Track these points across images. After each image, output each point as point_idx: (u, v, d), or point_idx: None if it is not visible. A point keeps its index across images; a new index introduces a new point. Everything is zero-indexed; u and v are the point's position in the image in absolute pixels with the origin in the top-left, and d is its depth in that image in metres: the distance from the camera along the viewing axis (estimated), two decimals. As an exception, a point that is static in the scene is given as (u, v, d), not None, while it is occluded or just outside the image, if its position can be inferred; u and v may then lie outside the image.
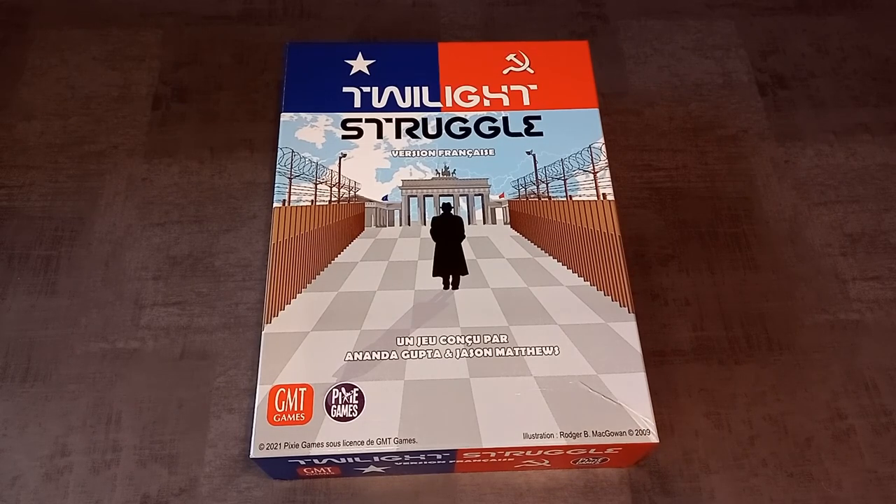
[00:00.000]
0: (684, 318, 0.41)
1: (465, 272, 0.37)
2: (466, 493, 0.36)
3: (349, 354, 0.34)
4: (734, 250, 0.43)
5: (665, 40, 0.51)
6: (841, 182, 0.46)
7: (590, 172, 0.40)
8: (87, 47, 0.49)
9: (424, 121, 0.41)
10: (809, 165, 0.46)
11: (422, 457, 0.33)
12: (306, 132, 0.41)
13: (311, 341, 0.35)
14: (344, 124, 0.41)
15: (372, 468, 0.35)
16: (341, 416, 0.33)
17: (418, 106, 0.42)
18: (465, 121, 0.41)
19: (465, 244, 0.38)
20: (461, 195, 0.39)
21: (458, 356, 0.34)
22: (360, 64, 0.43)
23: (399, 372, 0.34)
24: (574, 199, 0.39)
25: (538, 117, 0.42)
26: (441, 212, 0.39)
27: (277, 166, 0.40)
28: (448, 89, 0.42)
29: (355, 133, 0.41)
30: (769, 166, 0.46)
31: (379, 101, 0.42)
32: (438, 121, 0.41)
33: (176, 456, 0.36)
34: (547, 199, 0.39)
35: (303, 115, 0.41)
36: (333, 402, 0.33)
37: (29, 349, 0.39)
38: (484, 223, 0.39)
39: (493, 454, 0.33)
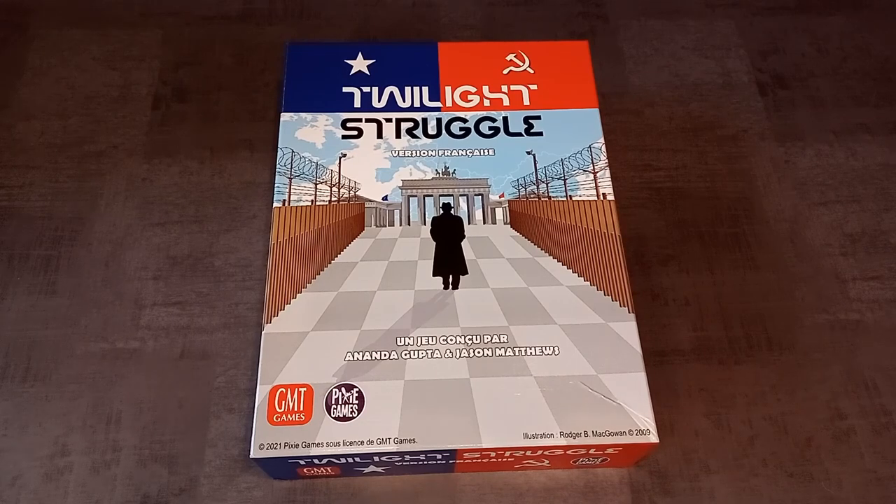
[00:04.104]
0: (684, 318, 0.41)
1: (465, 272, 0.37)
2: (466, 493, 0.36)
3: (349, 354, 0.34)
4: (734, 250, 0.43)
5: (665, 40, 0.51)
6: (841, 182, 0.46)
7: (590, 172, 0.40)
8: (87, 47, 0.49)
9: (424, 121, 0.41)
10: (809, 165, 0.46)
11: (422, 457, 0.33)
12: (306, 132, 0.41)
13: (311, 341, 0.35)
14: (344, 124, 0.41)
15: (372, 468, 0.35)
16: (341, 416, 0.33)
17: (418, 106, 0.42)
18: (465, 121, 0.41)
19: (465, 244, 0.38)
20: (461, 195, 0.39)
21: (458, 356, 0.34)
22: (360, 64, 0.43)
23: (399, 372, 0.34)
24: (574, 199, 0.39)
25: (538, 117, 0.42)
26: (441, 212, 0.39)
27: (277, 166, 0.40)
28: (448, 89, 0.42)
29: (355, 133, 0.41)
30: (769, 166, 0.46)
31: (379, 101, 0.42)
32: (438, 121, 0.41)
33: (176, 456, 0.36)
34: (547, 199, 0.39)
35: (303, 115, 0.41)
36: (333, 402, 0.33)
37: (29, 349, 0.39)
38: (484, 223, 0.39)
39: (493, 454, 0.33)
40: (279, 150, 0.40)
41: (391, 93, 0.42)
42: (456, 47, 0.44)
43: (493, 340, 0.35)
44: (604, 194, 0.39)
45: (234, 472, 0.36)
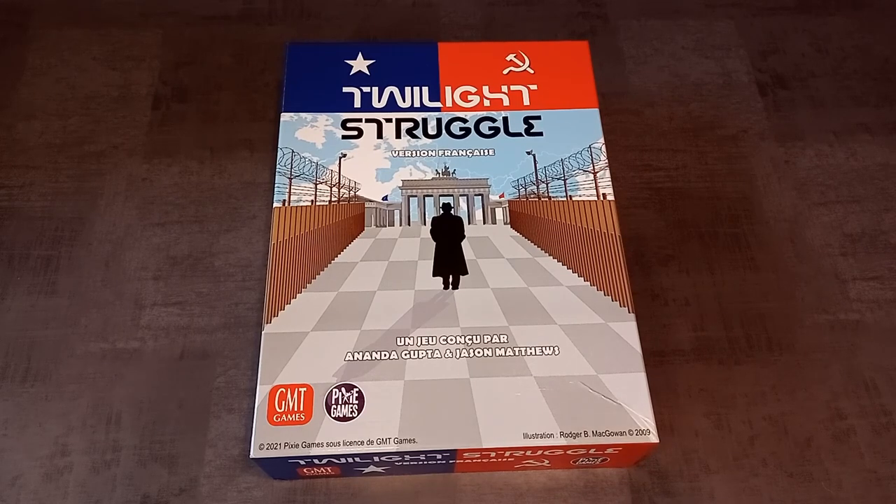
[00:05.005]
0: (684, 318, 0.41)
1: (465, 272, 0.37)
2: (466, 493, 0.36)
3: (349, 354, 0.34)
4: (734, 250, 0.43)
5: (665, 40, 0.51)
6: (841, 182, 0.46)
7: (590, 172, 0.40)
8: (87, 47, 0.49)
9: (424, 121, 0.41)
10: (809, 165, 0.46)
11: (422, 457, 0.33)
12: (306, 132, 0.41)
13: (311, 341, 0.35)
14: (344, 124, 0.41)
15: (372, 468, 0.35)
16: (341, 416, 0.33)
17: (418, 106, 0.42)
18: (465, 121, 0.41)
19: (465, 244, 0.38)
20: (461, 195, 0.39)
21: (458, 356, 0.34)
22: (360, 64, 0.43)
23: (399, 372, 0.34)
24: (574, 199, 0.39)
25: (538, 117, 0.42)
26: (441, 212, 0.39)
27: (277, 166, 0.40)
28: (448, 89, 0.42)
29: (355, 133, 0.41)
30: (769, 166, 0.46)
31: (379, 101, 0.42)
32: (438, 121, 0.41)
33: (176, 456, 0.36)
34: (547, 199, 0.39)
35: (303, 115, 0.41)
36: (333, 402, 0.33)
37: (29, 349, 0.39)
38: (484, 223, 0.39)
39: (493, 454, 0.33)
40: (279, 150, 0.40)
41: (391, 93, 0.42)
42: (456, 47, 0.44)
43: (493, 340, 0.35)
44: (604, 194, 0.39)
45: (234, 472, 0.36)
